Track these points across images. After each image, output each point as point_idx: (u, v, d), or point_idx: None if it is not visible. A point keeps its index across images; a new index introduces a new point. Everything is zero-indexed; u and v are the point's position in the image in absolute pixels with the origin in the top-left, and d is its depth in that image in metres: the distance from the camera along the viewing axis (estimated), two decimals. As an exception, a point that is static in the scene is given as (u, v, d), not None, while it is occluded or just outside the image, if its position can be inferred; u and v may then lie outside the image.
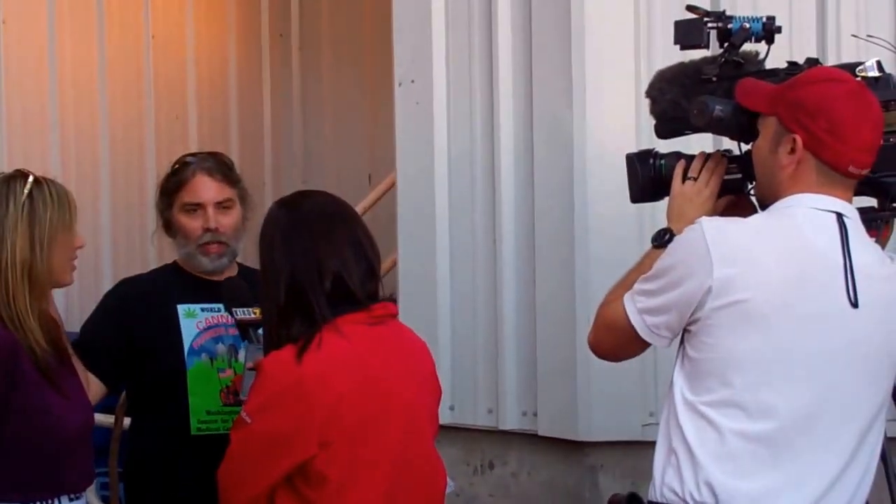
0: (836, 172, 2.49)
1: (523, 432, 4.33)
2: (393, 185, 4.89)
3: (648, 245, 2.81)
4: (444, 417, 4.39)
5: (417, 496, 2.73)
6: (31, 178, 2.89)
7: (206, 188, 3.25)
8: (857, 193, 2.70)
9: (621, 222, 3.90)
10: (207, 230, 3.24)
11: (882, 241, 2.79)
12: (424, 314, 4.45)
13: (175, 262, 3.37)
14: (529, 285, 4.29)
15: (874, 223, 2.70)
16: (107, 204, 6.64)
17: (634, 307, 2.55)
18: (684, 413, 2.46)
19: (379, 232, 5.40)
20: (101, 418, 3.81)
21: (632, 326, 2.55)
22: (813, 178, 2.50)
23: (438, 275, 4.49)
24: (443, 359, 4.44)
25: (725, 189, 2.79)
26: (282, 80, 7.05)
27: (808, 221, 2.47)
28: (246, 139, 7.00)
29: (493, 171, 4.36)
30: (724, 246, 2.44)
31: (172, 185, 3.29)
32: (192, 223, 3.24)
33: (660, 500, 2.48)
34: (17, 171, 2.94)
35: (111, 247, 6.57)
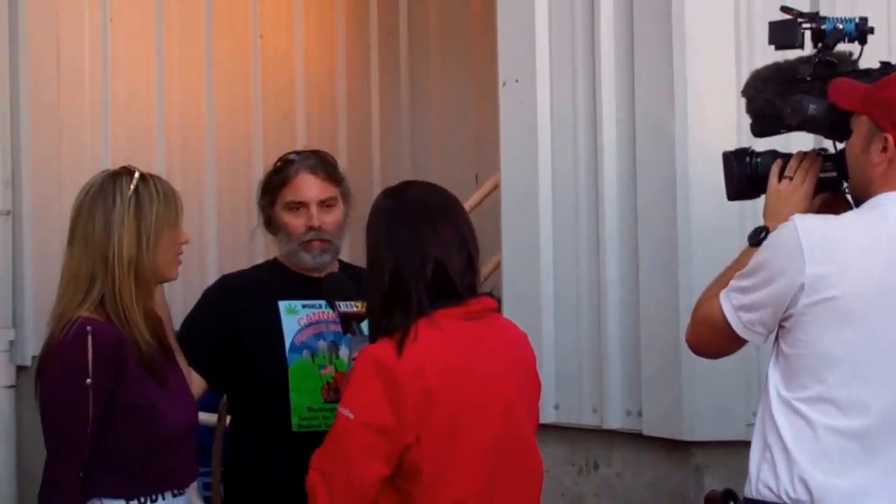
0: None
1: (628, 432, 4.41)
2: (497, 186, 4.98)
3: (751, 245, 2.89)
4: (549, 416, 4.52)
5: (515, 490, 2.83)
6: (136, 174, 2.98)
7: (310, 186, 3.31)
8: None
9: (724, 222, 3.95)
10: (311, 228, 3.30)
11: None
12: (528, 314, 4.53)
13: (276, 259, 3.43)
14: (633, 285, 4.37)
15: None
16: (212, 203, 6.73)
17: (730, 304, 2.64)
18: (779, 409, 2.54)
19: (483, 232, 5.54)
20: (204, 417, 3.87)
21: (727, 323, 2.64)
22: None
23: (542, 274, 4.58)
24: (546, 358, 4.52)
25: (821, 187, 2.87)
26: (390, 78, 7.15)
27: None
28: (354, 138, 7.10)
29: (596, 172, 4.45)
30: (816, 243, 2.52)
31: (275, 183, 3.35)
32: (296, 221, 3.31)
33: (755, 496, 2.56)
34: (124, 167, 3.02)
35: (217, 245, 6.67)
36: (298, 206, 3.31)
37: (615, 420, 4.43)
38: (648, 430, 4.33)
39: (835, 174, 2.84)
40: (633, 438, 4.41)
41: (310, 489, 2.75)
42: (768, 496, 2.55)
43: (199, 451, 4.73)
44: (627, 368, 4.40)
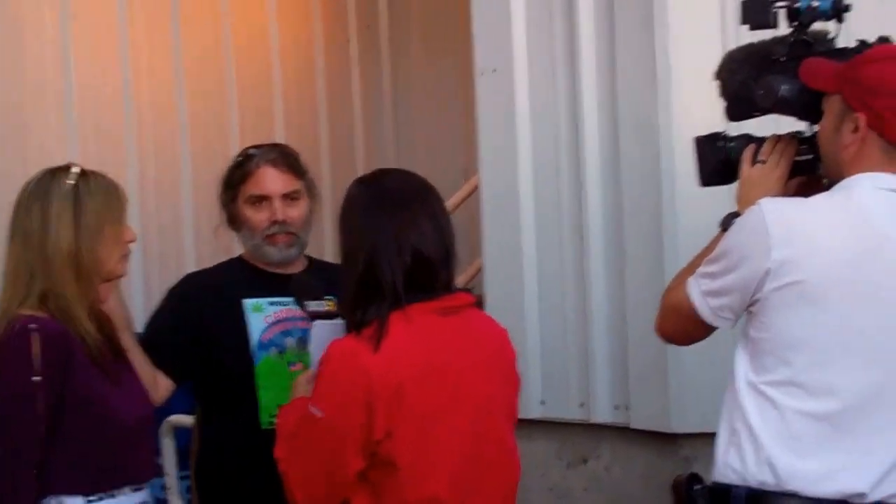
0: None
1: (616, 425, 4.45)
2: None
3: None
4: (535, 412, 4.57)
5: (489, 487, 2.85)
6: (76, 170, 3.00)
7: (272, 180, 3.33)
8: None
9: (710, 213, 3.95)
10: (275, 222, 3.32)
11: None
12: (512, 310, 4.58)
13: (241, 257, 3.46)
14: (618, 278, 4.41)
15: None
16: (188, 198, 6.75)
17: (698, 290, 2.68)
18: (746, 393, 2.59)
19: (466, 231, 5.56)
20: (183, 419, 3.94)
21: (695, 309, 2.68)
22: (877, 158, 2.60)
23: (525, 270, 4.61)
24: (532, 354, 4.58)
25: (797, 170, 2.90)
26: (371, 72, 7.16)
27: (869, 200, 2.58)
28: (335, 134, 7.12)
29: (578, 165, 4.48)
30: (782, 227, 2.55)
31: (237, 178, 3.37)
32: (259, 215, 3.33)
33: (722, 480, 2.60)
34: (66, 164, 3.04)
35: (194, 245, 6.68)
36: (261, 200, 3.33)
37: (603, 414, 4.47)
38: (636, 424, 4.37)
39: (811, 157, 2.86)
40: (622, 432, 4.45)
41: (285, 484, 2.80)
42: (734, 479, 2.59)
43: (178, 454, 4.82)
44: (614, 363, 4.44)
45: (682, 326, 2.78)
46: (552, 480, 4.61)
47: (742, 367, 2.63)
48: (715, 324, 2.70)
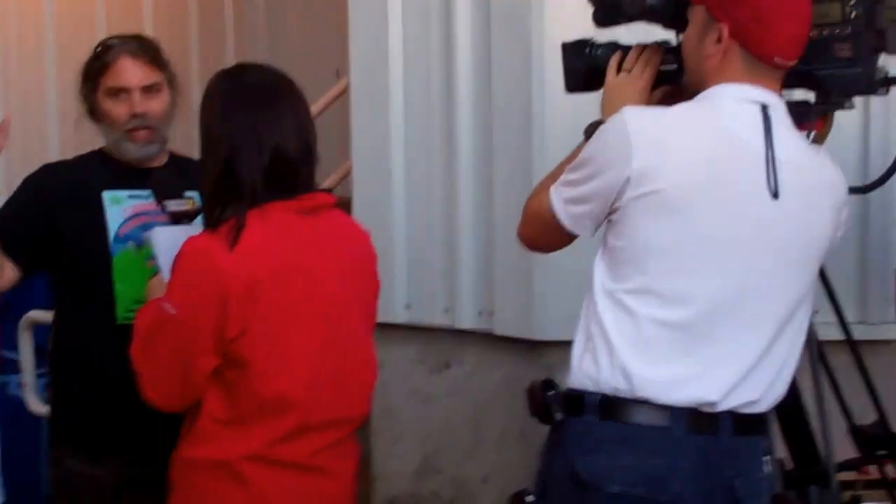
0: (761, 63, 2.61)
1: (480, 331, 4.51)
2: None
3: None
4: (400, 317, 4.60)
5: (344, 388, 2.86)
6: None
7: (132, 72, 3.26)
8: (792, 86, 2.83)
9: (581, 121, 4.02)
10: (134, 115, 3.26)
11: (820, 135, 2.94)
12: (380, 214, 4.61)
13: (101, 150, 3.39)
14: (486, 185, 4.44)
15: (806, 116, 2.86)
16: (52, 91, 6.62)
17: (559, 197, 2.68)
18: (603, 301, 2.61)
19: (336, 132, 5.53)
20: (42, 315, 3.90)
21: (555, 216, 2.69)
22: (739, 68, 2.62)
23: (394, 173, 4.63)
24: (399, 259, 4.62)
25: (662, 80, 2.90)
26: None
27: (730, 111, 2.60)
28: (206, 31, 7.04)
29: (449, 69, 4.48)
30: (644, 136, 2.56)
31: (96, 69, 3.29)
32: (118, 109, 3.26)
33: (577, 386, 2.63)
34: None
35: (58, 136, 6.58)
36: (119, 92, 3.27)
37: (467, 320, 4.53)
38: (500, 330, 4.43)
39: (675, 66, 2.88)
40: (485, 338, 4.51)
41: (139, 383, 2.79)
42: (588, 386, 2.61)
43: (36, 351, 4.78)
44: (480, 269, 4.49)
45: (543, 233, 2.79)
46: (415, 384, 4.67)
47: (600, 274, 2.65)
48: (575, 231, 2.71)
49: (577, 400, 2.63)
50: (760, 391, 2.61)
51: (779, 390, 2.66)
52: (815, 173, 2.67)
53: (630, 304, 2.58)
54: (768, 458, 2.69)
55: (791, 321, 2.64)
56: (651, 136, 2.58)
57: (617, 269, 2.61)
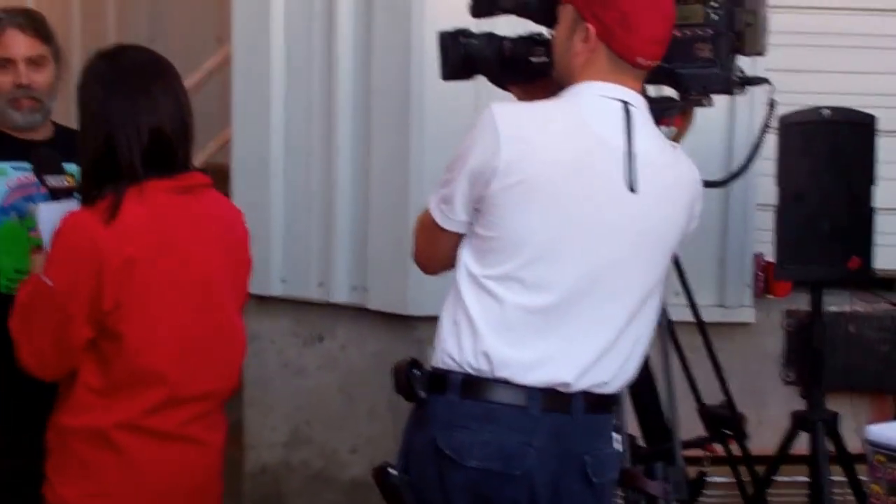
0: (625, 62, 2.75)
1: (353, 306, 4.63)
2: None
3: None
4: (275, 289, 4.70)
5: (213, 362, 2.97)
6: None
7: (17, 43, 3.33)
8: (655, 82, 3.01)
9: (457, 97, 4.12)
10: (19, 86, 3.34)
11: (681, 131, 3.12)
12: (257, 187, 4.70)
13: None
14: (364, 163, 4.55)
15: (668, 112, 3.04)
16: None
17: (435, 200, 2.80)
18: (468, 286, 2.75)
19: (217, 100, 5.58)
20: None
21: (434, 219, 2.79)
22: (604, 67, 2.76)
23: (272, 147, 4.71)
24: (275, 232, 4.71)
25: (534, 72, 3.07)
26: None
27: (593, 107, 2.74)
28: (87, 1, 7.03)
29: (330, 44, 4.57)
30: (511, 128, 2.69)
31: None
32: (3, 78, 3.34)
33: (440, 365, 2.77)
34: None
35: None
36: (6, 63, 3.34)
37: (341, 294, 4.64)
38: (373, 305, 4.56)
39: (546, 59, 3.03)
40: (359, 313, 4.63)
41: (17, 351, 2.86)
42: (451, 366, 2.74)
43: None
44: (355, 244, 4.60)
45: (429, 244, 2.88)
46: (288, 357, 4.77)
47: (465, 260, 2.77)
48: (452, 228, 2.79)
49: (441, 379, 2.75)
50: (612, 373, 2.76)
51: (629, 372, 2.81)
52: (671, 169, 2.81)
53: (495, 290, 2.71)
54: (617, 435, 2.84)
55: (643, 308, 2.80)
56: (518, 128, 2.70)
57: (483, 256, 2.73)
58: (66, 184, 3.13)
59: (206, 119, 5.50)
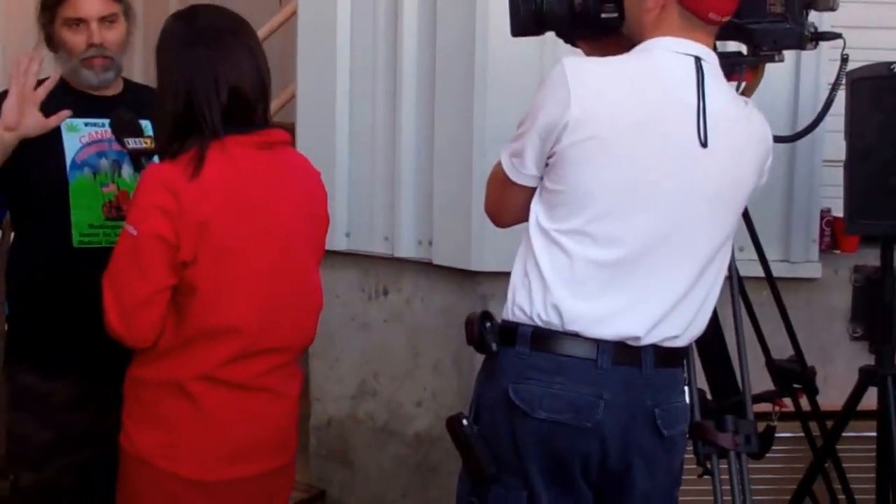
0: (697, 18, 2.78)
1: (418, 260, 4.68)
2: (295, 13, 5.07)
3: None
4: (340, 244, 4.75)
5: (290, 317, 3.02)
6: None
7: (89, 3, 3.35)
8: (725, 38, 3.04)
9: (522, 53, 4.14)
10: (92, 45, 3.36)
11: (750, 86, 3.14)
12: (322, 142, 4.75)
13: (59, 77, 3.44)
14: (428, 117, 4.58)
15: (737, 67, 3.06)
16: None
17: (507, 153, 2.85)
18: (539, 239, 2.79)
19: (280, 58, 5.62)
20: None
21: (506, 172, 2.85)
22: (675, 23, 2.79)
23: (338, 100, 4.76)
24: (339, 186, 4.75)
25: (604, 28, 3.09)
26: None
27: (665, 63, 2.78)
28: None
29: (396, 2, 4.61)
30: (582, 84, 2.73)
31: (53, 0, 3.37)
32: (76, 38, 3.36)
33: (511, 318, 2.83)
34: None
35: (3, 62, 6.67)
36: (78, 23, 3.37)
37: (406, 249, 4.69)
38: (438, 260, 4.60)
39: (616, 15, 3.06)
40: (424, 267, 4.68)
41: (103, 305, 2.90)
42: (522, 318, 2.79)
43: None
44: (420, 199, 4.65)
45: (501, 196, 2.92)
46: (353, 311, 4.84)
47: (536, 213, 2.81)
48: (523, 182, 2.84)
49: (511, 331, 2.81)
50: (681, 327, 2.81)
51: (698, 327, 2.86)
52: (743, 125, 2.84)
53: (564, 244, 2.76)
54: (685, 389, 2.90)
55: (712, 263, 2.84)
56: (589, 83, 2.74)
57: (553, 210, 2.78)
58: (144, 145, 3.19)
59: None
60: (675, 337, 2.81)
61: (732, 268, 3.10)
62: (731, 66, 3.01)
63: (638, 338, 2.77)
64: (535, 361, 2.78)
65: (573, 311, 2.75)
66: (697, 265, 2.80)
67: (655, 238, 2.76)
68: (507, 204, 2.92)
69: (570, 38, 3.18)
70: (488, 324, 2.85)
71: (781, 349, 3.64)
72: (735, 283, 3.18)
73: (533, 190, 2.83)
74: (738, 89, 3.05)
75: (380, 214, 4.75)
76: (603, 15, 3.06)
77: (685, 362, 2.92)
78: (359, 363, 4.85)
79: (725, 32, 2.94)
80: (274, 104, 5.88)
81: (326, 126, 4.78)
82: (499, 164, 2.88)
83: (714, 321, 3.05)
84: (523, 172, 2.83)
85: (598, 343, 2.76)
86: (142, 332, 2.92)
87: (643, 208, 2.75)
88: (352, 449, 4.89)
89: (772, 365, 3.44)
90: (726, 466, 3.06)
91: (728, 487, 3.04)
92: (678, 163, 2.75)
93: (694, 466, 3.08)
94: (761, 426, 3.19)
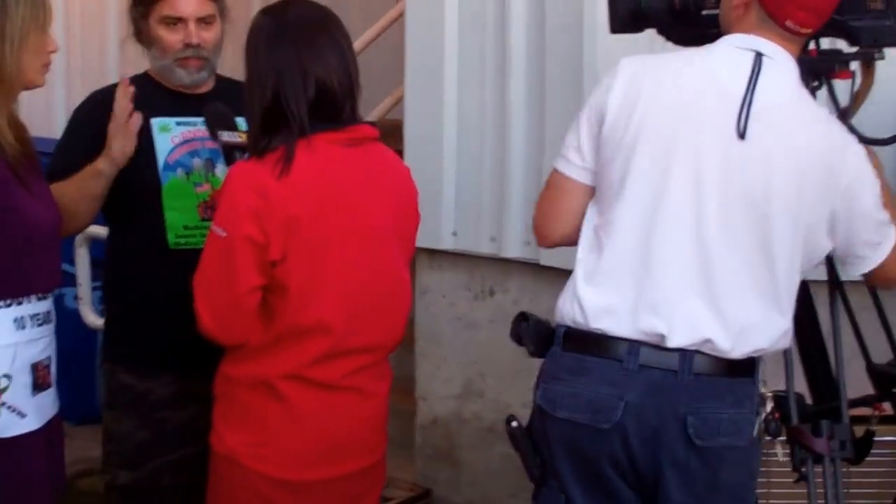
0: (774, 22, 2.78)
1: (525, 261, 4.68)
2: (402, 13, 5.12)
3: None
4: (447, 243, 4.78)
5: (379, 315, 3.05)
6: None
7: (188, 2, 3.36)
8: (825, 35, 3.01)
9: (632, 51, 4.10)
10: (189, 45, 3.37)
11: (863, 89, 3.08)
12: (430, 142, 4.79)
13: (147, 74, 3.49)
14: (538, 116, 4.58)
15: (841, 65, 3.02)
16: (113, 13, 6.83)
17: (561, 154, 2.90)
18: (584, 237, 2.84)
19: (391, 57, 5.64)
20: (99, 230, 4.05)
21: (556, 171, 2.90)
22: (753, 23, 2.80)
23: (445, 101, 4.78)
24: (447, 186, 4.79)
25: (704, 24, 3.06)
26: None
27: (722, 57, 2.80)
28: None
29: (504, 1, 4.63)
30: (628, 72, 2.80)
31: None
32: (172, 37, 3.37)
33: (557, 319, 2.87)
34: None
35: (117, 58, 6.76)
36: (175, 21, 3.38)
37: (513, 249, 4.69)
38: (545, 261, 4.58)
39: (717, 11, 3.01)
40: (531, 267, 4.67)
41: (194, 306, 2.95)
42: (560, 319, 2.85)
43: (93, 265, 4.97)
44: (528, 199, 4.61)
45: (551, 203, 2.94)
46: (460, 311, 4.86)
47: (590, 211, 2.86)
48: (572, 174, 2.87)
49: (552, 332, 2.87)
50: (727, 338, 2.74)
51: (756, 342, 2.78)
52: (805, 128, 2.78)
53: (600, 239, 2.79)
54: (753, 400, 2.81)
55: (765, 274, 2.76)
56: (635, 73, 2.80)
57: (598, 202, 2.84)
58: (238, 139, 3.20)
59: (382, 75, 5.62)
60: (719, 344, 2.74)
61: (832, 270, 3.06)
62: (831, 66, 2.98)
63: (662, 336, 2.74)
64: (565, 362, 2.83)
65: (593, 303, 2.77)
66: (746, 271, 2.75)
67: (691, 232, 2.74)
68: (557, 208, 2.93)
69: (670, 34, 3.18)
70: (524, 323, 2.92)
71: (881, 353, 3.58)
72: (835, 286, 3.13)
73: (582, 190, 2.86)
74: (851, 89, 3.02)
75: (487, 215, 4.76)
76: (704, 11, 3.06)
77: (755, 373, 2.84)
78: (466, 363, 4.87)
79: (825, 30, 2.91)
80: (385, 102, 5.97)
81: (434, 125, 4.81)
82: (550, 175, 2.91)
83: (814, 325, 3.02)
84: (574, 163, 2.86)
85: (627, 344, 2.75)
86: (235, 332, 2.97)
87: (673, 199, 2.74)
88: (458, 448, 4.91)
89: (872, 369, 3.39)
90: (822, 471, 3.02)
91: (822, 491, 3.01)
92: (710, 151, 2.74)
93: (789, 469, 3.06)
94: (860, 431, 3.15)
